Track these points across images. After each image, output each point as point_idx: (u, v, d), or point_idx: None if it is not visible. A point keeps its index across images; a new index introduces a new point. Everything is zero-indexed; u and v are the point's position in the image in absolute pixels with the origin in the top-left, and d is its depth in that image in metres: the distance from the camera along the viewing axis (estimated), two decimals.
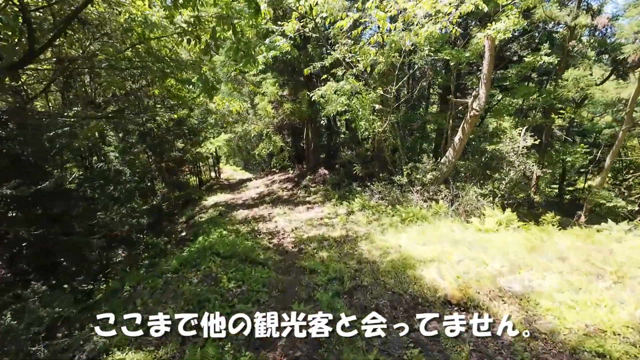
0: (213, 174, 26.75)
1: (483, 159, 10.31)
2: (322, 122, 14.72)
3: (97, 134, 9.43)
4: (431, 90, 16.87)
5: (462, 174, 10.69)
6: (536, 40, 13.22)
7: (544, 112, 12.28)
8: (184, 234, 12.06)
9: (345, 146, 17.66)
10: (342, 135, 19.94)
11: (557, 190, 15.17)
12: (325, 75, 8.41)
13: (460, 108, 11.03)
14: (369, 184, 10.54)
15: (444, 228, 6.48)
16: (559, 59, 11.52)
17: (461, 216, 8.41)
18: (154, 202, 12.31)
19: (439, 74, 11.74)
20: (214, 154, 25.81)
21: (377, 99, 9.49)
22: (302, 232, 8.65)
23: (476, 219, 7.34)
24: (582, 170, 15.92)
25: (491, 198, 8.24)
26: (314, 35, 9.32)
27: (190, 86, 5.03)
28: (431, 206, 8.64)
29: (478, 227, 6.38)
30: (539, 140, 9.04)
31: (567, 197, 15.85)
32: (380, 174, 10.39)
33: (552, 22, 12.65)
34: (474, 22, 12.50)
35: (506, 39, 8.40)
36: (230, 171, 31.01)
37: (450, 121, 11.00)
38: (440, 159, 9.72)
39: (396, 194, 9.69)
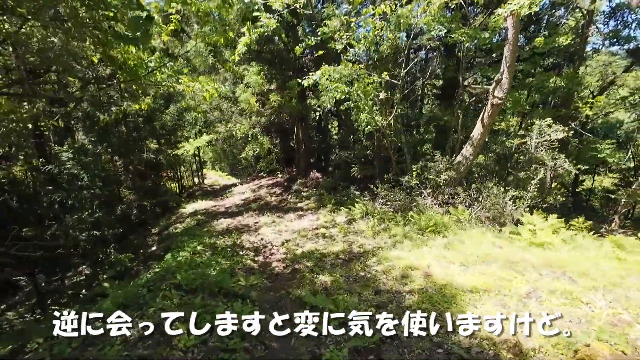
0: (196, 180, 24.93)
1: (502, 156, 9.04)
2: (315, 117, 13.25)
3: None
4: (426, 89, 15.69)
5: (476, 174, 9.39)
6: (543, 32, 12.20)
7: (560, 105, 11.17)
8: (154, 248, 10.31)
9: (338, 147, 16.27)
10: (335, 136, 18.56)
11: (564, 191, 14.04)
12: (321, 52, 6.95)
13: (474, 99, 9.74)
14: (371, 186, 9.08)
15: (482, 242, 5.03)
16: (572, 48, 10.48)
17: (484, 223, 7.04)
18: (118, 212, 10.50)
19: (445, 62, 10.44)
20: (197, 158, 24.10)
21: (381, 87, 8.10)
22: (295, 245, 7.10)
23: (511, 227, 5.95)
24: (586, 168, 14.95)
25: (522, 202, 6.89)
26: (306, 12, 7.87)
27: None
28: (449, 212, 7.24)
29: (530, 239, 4.98)
30: (572, 132, 7.82)
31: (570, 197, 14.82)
32: (385, 176, 8.94)
33: (562, 9, 11.68)
34: (476, 9, 11.32)
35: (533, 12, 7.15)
36: (216, 177, 29.22)
37: (461, 115, 9.72)
38: (455, 157, 8.37)
39: (405, 198, 8.26)
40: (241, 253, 6.83)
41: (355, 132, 15.00)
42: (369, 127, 8.23)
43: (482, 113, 7.64)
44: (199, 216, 11.93)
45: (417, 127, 14.44)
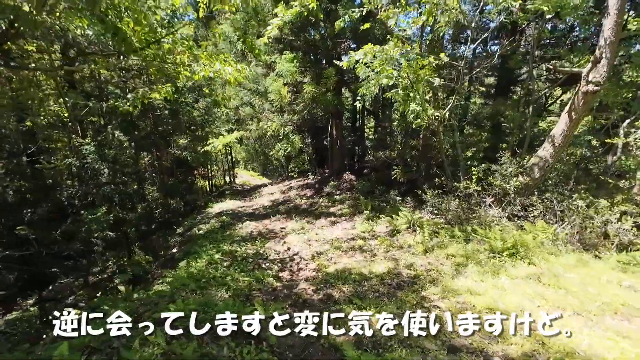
0: (227, 179, 24.73)
1: (582, 158, 7.29)
2: (349, 115, 12.07)
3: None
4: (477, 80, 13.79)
5: (551, 180, 7.64)
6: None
7: None
8: (174, 250, 9.61)
9: (374, 147, 14.92)
10: (371, 136, 17.22)
11: None
12: (366, 25, 5.72)
13: (546, 90, 8.03)
14: (418, 192, 7.70)
15: (599, 277, 3.52)
16: None
17: (573, 244, 5.41)
18: (139, 210, 9.94)
19: (512, 45, 8.73)
20: (230, 157, 23.87)
21: (435, 73, 6.70)
22: (327, 260, 5.91)
23: (617, 255, 4.36)
24: None
25: (627, 220, 5.20)
26: None
27: None
28: (523, 227, 5.69)
29: None
30: None
31: None
32: (436, 180, 7.50)
33: None
34: None
35: None
36: (247, 176, 29.05)
37: (531, 110, 8.04)
38: (528, 159, 6.77)
39: (459, 207, 6.79)
40: (264, 266, 5.76)
41: (393, 133, 13.58)
42: (418, 120, 6.84)
43: (569, 104, 5.99)
44: (224, 217, 11.14)
45: (465, 124, 12.72)
